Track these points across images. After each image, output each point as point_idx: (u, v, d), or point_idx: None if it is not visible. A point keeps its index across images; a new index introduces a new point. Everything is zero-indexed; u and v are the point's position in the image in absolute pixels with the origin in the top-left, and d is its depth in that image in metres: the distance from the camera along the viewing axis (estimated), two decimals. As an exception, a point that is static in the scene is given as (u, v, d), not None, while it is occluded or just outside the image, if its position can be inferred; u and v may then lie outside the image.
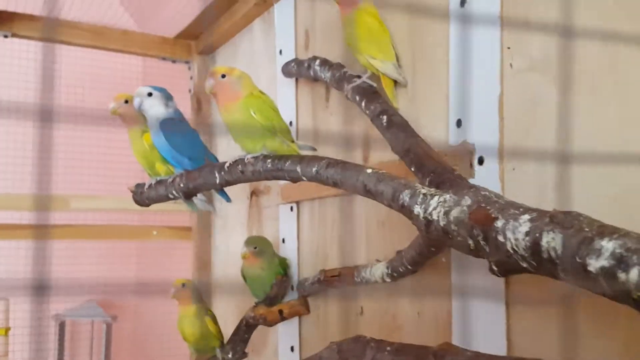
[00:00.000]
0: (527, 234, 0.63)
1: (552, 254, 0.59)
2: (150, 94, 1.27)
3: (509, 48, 0.90)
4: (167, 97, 1.30)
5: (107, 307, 2.45)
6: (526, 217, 0.64)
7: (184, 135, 1.28)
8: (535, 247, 0.62)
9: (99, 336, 2.42)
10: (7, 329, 2.08)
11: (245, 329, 1.53)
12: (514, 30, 0.89)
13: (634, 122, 0.73)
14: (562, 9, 0.81)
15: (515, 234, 0.64)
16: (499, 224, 0.67)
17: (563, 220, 0.60)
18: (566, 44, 0.81)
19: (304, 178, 1.04)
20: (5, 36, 1.87)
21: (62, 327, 2.35)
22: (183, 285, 1.49)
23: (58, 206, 1.93)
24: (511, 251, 0.65)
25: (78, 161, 2.38)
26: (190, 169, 1.28)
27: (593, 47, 0.77)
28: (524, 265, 0.65)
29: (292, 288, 1.53)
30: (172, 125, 1.27)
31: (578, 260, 0.55)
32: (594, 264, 0.54)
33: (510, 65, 0.89)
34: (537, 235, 0.61)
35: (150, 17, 2.04)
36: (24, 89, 2.23)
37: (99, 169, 2.30)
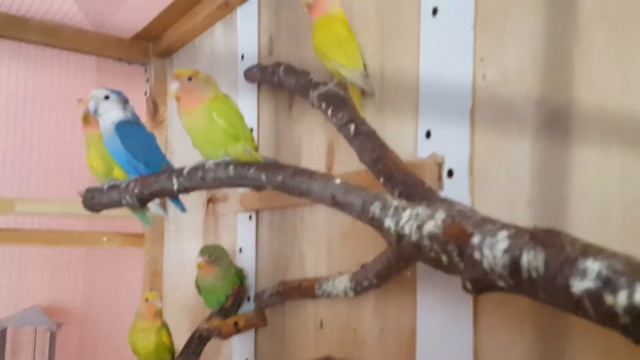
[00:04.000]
0: (505, 251, 0.61)
1: (533, 273, 0.57)
2: (107, 97, 1.22)
3: (482, 59, 0.88)
4: (124, 100, 1.25)
5: (52, 314, 2.34)
6: (504, 233, 0.62)
7: (140, 139, 1.24)
8: (514, 265, 0.59)
9: (43, 344, 2.31)
10: (-57, 339, 1.97)
11: (198, 341, 1.48)
12: (488, 41, 0.87)
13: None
14: (539, 20, 0.80)
15: (492, 251, 0.62)
16: (476, 240, 0.64)
17: (544, 238, 0.58)
18: (543, 56, 0.79)
19: (269, 187, 1.01)
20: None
21: (2, 335, 2.24)
22: (147, 300, 1.42)
23: (2, 209, 1.84)
24: (488, 269, 0.63)
25: (25, 163, 2.27)
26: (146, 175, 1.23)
27: (570, 59, 0.76)
28: (501, 284, 0.63)
29: (249, 299, 1.48)
30: (129, 129, 1.22)
31: (561, 281, 0.53)
32: (579, 286, 0.51)
33: (483, 77, 0.87)
34: (517, 253, 0.59)
35: (105, 17, 1.97)
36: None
37: (48, 172, 2.20)
